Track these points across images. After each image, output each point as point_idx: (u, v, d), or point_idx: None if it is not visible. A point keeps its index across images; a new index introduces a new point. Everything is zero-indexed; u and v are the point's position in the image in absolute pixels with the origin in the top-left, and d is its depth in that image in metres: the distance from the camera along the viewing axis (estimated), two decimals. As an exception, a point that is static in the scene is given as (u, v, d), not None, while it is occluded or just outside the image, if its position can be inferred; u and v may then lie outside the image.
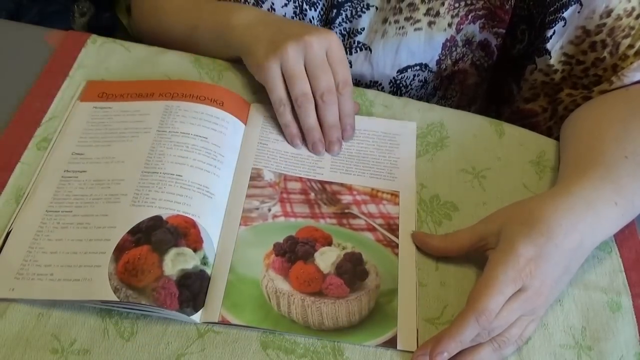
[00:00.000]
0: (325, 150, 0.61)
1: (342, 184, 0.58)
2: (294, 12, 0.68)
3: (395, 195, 0.58)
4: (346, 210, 0.57)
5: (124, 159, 0.56)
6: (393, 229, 0.56)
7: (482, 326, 0.46)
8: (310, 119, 0.60)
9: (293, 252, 0.53)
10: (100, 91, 0.62)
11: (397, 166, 0.61)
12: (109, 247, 0.50)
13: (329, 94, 0.59)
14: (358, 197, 0.58)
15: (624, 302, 0.53)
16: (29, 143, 0.57)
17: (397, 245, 0.54)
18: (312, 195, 0.57)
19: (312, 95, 0.59)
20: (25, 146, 0.57)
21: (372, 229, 0.55)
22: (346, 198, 0.57)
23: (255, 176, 0.58)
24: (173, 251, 0.50)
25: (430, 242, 0.54)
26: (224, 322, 0.48)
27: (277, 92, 0.59)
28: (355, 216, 0.56)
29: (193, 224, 0.52)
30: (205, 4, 0.69)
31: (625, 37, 0.61)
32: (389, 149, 0.62)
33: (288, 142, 0.61)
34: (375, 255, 0.53)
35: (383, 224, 0.56)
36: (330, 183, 0.59)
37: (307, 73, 0.59)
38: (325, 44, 0.59)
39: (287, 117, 0.60)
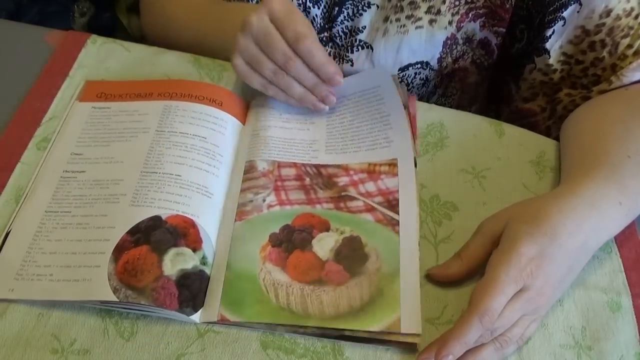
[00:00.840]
0: (325, 104, 0.61)
1: (338, 166, 0.58)
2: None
3: (393, 165, 0.58)
4: (343, 193, 0.56)
5: (123, 159, 0.56)
6: (393, 204, 0.55)
7: (486, 327, 0.46)
8: (294, 90, 0.59)
9: (290, 242, 0.52)
10: (99, 91, 0.62)
11: (389, 125, 0.60)
12: (109, 247, 0.50)
13: (286, 62, 0.57)
14: (355, 177, 0.57)
15: (624, 302, 0.53)
16: (29, 143, 0.57)
17: (397, 223, 0.54)
18: (307, 180, 0.57)
19: (279, 68, 0.58)
20: (25, 146, 0.57)
21: (371, 210, 0.55)
22: (342, 180, 0.57)
23: (249, 169, 0.57)
24: (172, 251, 0.50)
25: (448, 273, 0.52)
26: (223, 321, 0.48)
27: (255, 81, 0.59)
28: (352, 198, 0.56)
29: (192, 224, 0.52)
30: (213, 11, 0.69)
31: (624, 37, 0.61)
32: (376, 107, 0.61)
33: (310, 107, 0.61)
34: (375, 237, 0.53)
35: (382, 201, 0.55)
36: (326, 166, 0.58)
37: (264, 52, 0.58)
38: (264, 13, 0.57)
39: (280, 96, 0.60)
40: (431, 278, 0.52)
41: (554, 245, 0.48)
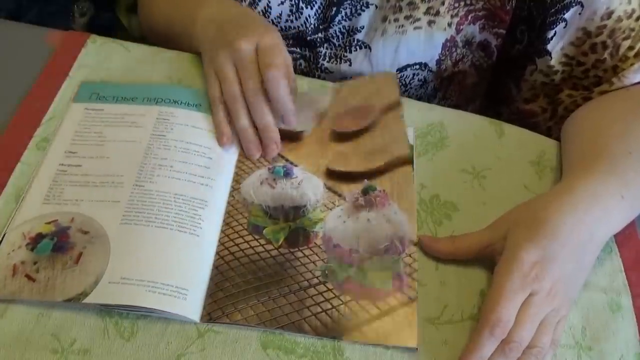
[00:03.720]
0: (262, 155, 0.59)
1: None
2: (290, 10, 0.68)
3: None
4: None
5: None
6: None
7: (498, 337, 0.46)
8: (240, 120, 0.58)
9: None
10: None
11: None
12: None
13: (253, 95, 0.58)
14: None
15: (624, 302, 0.53)
16: (29, 143, 0.57)
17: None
18: None
19: (241, 96, 0.58)
20: (25, 146, 0.57)
21: None
22: None
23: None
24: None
25: (436, 246, 0.54)
26: (223, 321, 0.48)
27: (211, 90, 0.60)
28: None
29: None
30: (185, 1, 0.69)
31: (626, 38, 0.61)
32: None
33: (216, 141, 0.59)
34: None
35: None
36: None
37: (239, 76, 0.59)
38: (254, 42, 0.58)
39: (218, 115, 0.59)
40: (419, 242, 0.54)
41: (555, 245, 0.48)
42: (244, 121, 0.58)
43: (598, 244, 0.52)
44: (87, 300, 0.47)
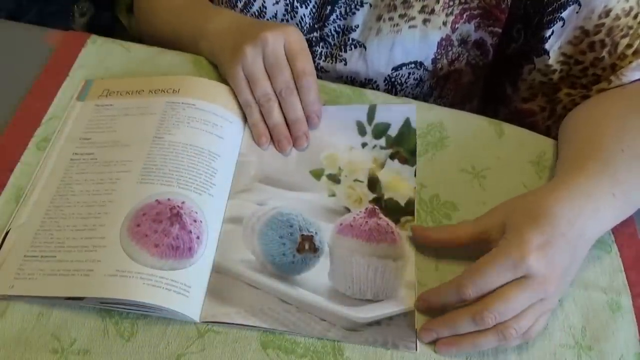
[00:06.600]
0: (294, 146, 0.61)
1: None
2: (285, 10, 0.68)
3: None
4: None
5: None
6: None
7: (463, 294, 0.47)
8: (273, 117, 0.60)
9: None
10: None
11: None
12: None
13: (286, 90, 0.60)
14: None
15: (624, 302, 0.53)
16: (29, 143, 0.57)
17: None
18: None
19: (273, 94, 0.60)
20: (25, 146, 0.57)
21: None
22: None
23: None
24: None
25: (427, 234, 0.54)
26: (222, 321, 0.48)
27: (243, 95, 0.61)
28: None
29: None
30: (187, 9, 0.69)
31: (624, 36, 0.61)
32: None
33: (255, 142, 0.61)
34: None
35: None
36: None
37: (267, 72, 0.60)
38: (282, 38, 0.59)
39: (253, 117, 0.61)
40: (412, 233, 0.55)
41: (557, 233, 0.48)
42: (277, 118, 0.60)
43: (589, 241, 0.51)
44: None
